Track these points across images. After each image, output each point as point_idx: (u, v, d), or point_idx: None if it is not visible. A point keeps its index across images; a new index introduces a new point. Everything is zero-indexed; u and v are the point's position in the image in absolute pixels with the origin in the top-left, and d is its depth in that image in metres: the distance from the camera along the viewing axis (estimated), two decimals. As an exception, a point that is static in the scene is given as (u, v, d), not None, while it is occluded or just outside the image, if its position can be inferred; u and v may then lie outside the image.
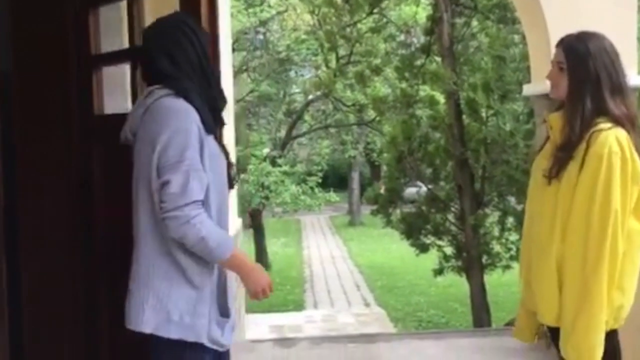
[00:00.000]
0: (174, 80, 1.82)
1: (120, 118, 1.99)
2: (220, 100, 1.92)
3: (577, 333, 1.95)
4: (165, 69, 1.84)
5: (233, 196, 7.37)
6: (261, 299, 1.91)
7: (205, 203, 1.77)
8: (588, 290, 1.94)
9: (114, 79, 2.59)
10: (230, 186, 2.00)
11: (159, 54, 1.85)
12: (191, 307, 1.77)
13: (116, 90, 2.58)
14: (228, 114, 7.18)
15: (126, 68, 2.46)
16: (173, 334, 1.76)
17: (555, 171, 2.01)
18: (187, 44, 1.84)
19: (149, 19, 2.27)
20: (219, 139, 1.93)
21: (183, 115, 1.76)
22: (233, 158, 8.30)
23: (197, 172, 1.74)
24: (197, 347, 1.78)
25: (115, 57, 2.53)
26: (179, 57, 1.84)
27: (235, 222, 7.25)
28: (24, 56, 2.76)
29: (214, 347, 1.83)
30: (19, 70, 2.76)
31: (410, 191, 11.93)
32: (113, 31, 2.57)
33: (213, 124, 1.85)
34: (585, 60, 2.02)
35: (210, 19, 2.24)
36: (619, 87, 2.03)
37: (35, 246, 2.74)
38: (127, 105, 2.49)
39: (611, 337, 2.00)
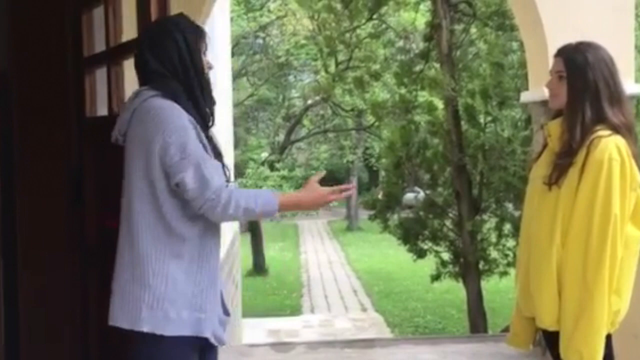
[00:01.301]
0: (161, 80, 1.85)
1: (111, 120, 2.00)
2: (208, 103, 1.92)
3: (579, 337, 1.98)
4: (154, 70, 1.86)
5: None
6: (335, 199, 1.95)
7: None
8: (589, 294, 1.97)
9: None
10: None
11: (149, 55, 1.87)
12: (188, 301, 1.78)
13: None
14: (224, 116, 7.16)
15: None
16: (170, 330, 1.77)
17: (555, 177, 2.04)
18: (174, 46, 1.86)
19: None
20: (210, 140, 1.94)
21: (175, 114, 1.78)
22: (231, 161, 8.26)
23: (206, 161, 1.77)
24: (193, 340, 1.79)
25: (101, 59, 2.53)
26: (166, 59, 1.86)
27: (232, 227, 7.27)
28: (21, 56, 2.78)
29: (215, 342, 1.84)
30: (17, 70, 2.77)
31: (408, 196, 11.95)
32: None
33: (201, 124, 1.86)
34: (584, 70, 2.06)
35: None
36: (617, 96, 2.08)
37: (33, 245, 2.74)
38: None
39: (606, 342, 2.03)
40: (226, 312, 1.93)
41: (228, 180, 1.97)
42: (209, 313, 1.81)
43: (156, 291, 1.76)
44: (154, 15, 2.22)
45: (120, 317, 1.80)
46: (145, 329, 1.77)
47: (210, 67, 1.95)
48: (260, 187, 15.15)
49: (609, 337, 2.05)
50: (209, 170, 1.76)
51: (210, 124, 1.93)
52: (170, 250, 1.78)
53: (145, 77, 1.89)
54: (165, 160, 1.75)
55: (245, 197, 1.79)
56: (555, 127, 2.13)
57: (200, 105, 1.88)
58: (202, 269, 1.81)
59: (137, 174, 1.80)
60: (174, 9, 2.30)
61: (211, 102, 1.94)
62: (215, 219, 1.79)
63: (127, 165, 1.84)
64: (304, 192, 1.93)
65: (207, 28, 4.42)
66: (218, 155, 1.96)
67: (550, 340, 2.11)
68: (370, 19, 11.84)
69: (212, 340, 1.83)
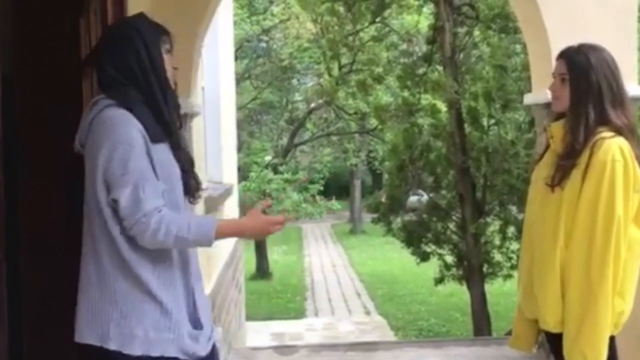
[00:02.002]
0: (118, 89, 1.78)
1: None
2: (169, 111, 1.83)
3: (583, 339, 1.98)
4: (111, 77, 1.80)
5: (234, 204, 7.39)
6: (277, 230, 1.84)
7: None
8: (594, 295, 1.97)
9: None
10: (190, 196, 1.90)
11: (106, 61, 1.81)
12: (155, 321, 1.73)
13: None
14: (228, 120, 7.15)
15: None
16: (137, 349, 1.72)
17: (558, 179, 2.04)
18: (132, 52, 1.79)
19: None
20: (179, 148, 1.86)
21: (122, 126, 1.71)
22: (234, 164, 8.21)
23: (146, 182, 1.69)
24: None
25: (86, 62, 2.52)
26: (124, 65, 1.79)
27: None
28: (25, 60, 2.79)
29: (187, 358, 1.78)
30: (20, 73, 2.78)
31: (411, 199, 11.94)
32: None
33: (161, 132, 1.78)
34: (587, 72, 2.07)
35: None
36: (619, 98, 2.08)
37: (36, 246, 2.75)
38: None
39: (610, 343, 2.03)
40: (198, 326, 1.84)
41: (195, 190, 1.90)
42: (176, 332, 1.76)
43: (123, 308, 1.72)
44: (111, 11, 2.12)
45: (86, 334, 1.76)
46: (113, 346, 1.72)
47: (174, 68, 1.88)
48: (264, 190, 15.16)
49: (612, 339, 2.05)
50: (145, 191, 1.68)
51: (173, 130, 1.84)
52: (126, 273, 1.73)
53: (102, 84, 1.83)
54: (107, 174, 1.69)
55: (178, 224, 1.69)
56: (557, 129, 2.14)
57: (162, 112, 1.80)
58: (163, 290, 1.75)
59: (89, 189, 1.75)
60: (175, 13, 2.30)
61: (175, 107, 1.86)
62: (145, 244, 1.70)
63: (86, 179, 1.78)
64: (246, 220, 1.83)
65: (210, 31, 4.43)
66: (190, 163, 1.89)
67: (554, 342, 2.11)
68: (373, 22, 11.84)
69: (183, 357, 1.78)
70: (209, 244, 1.75)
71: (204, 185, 2.20)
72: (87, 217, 1.79)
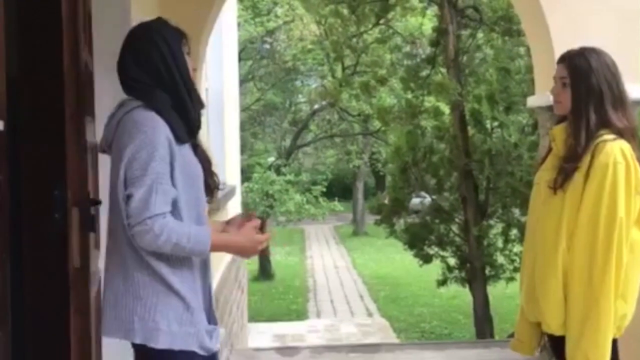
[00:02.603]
0: (145, 90, 1.82)
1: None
2: (194, 110, 1.87)
3: (586, 342, 1.98)
4: (136, 79, 1.83)
5: (237, 204, 7.40)
6: (261, 252, 1.93)
7: (175, 214, 1.75)
8: (595, 298, 1.97)
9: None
10: (211, 195, 1.95)
11: (130, 63, 1.84)
12: (178, 316, 1.77)
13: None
14: (231, 121, 7.16)
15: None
16: (161, 343, 1.75)
17: (561, 182, 2.05)
18: (158, 54, 1.82)
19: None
20: (197, 147, 1.91)
21: (150, 128, 1.74)
22: (237, 166, 8.23)
23: (161, 186, 1.72)
24: (185, 355, 1.78)
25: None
26: (150, 68, 1.82)
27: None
28: (29, 62, 2.80)
29: (204, 353, 1.83)
30: (25, 76, 2.79)
31: (414, 201, 11.93)
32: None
33: (186, 134, 1.82)
34: (588, 76, 2.08)
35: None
36: (620, 101, 2.09)
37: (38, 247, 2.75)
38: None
39: (612, 346, 2.02)
40: (213, 322, 1.90)
41: (214, 189, 1.95)
42: (197, 327, 1.80)
43: (147, 302, 1.75)
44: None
45: (113, 329, 1.80)
46: (138, 340, 1.76)
47: (194, 70, 1.93)
48: (267, 191, 15.17)
49: (614, 342, 2.05)
50: (158, 195, 1.71)
51: (197, 130, 1.89)
52: (148, 272, 1.76)
53: (129, 87, 1.86)
54: (128, 172, 1.72)
55: (179, 233, 1.72)
56: (559, 132, 2.14)
57: (189, 112, 1.84)
58: (184, 286, 1.79)
59: (113, 186, 1.79)
60: (182, 14, 2.32)
61: (199, 106, 1.90)
62: (142, 246, 1.72)
63: (110, 177, 1.82)
64: (239, 237, 1.86)
65: (214, 33, 4.45)
66: (208, 161, 1.93)
67: (557, 345, 2.11)
68: (377, 24, 11.84)
69: (201, 353, 1.81)
70: (204, 255, 1.82)
71: (221, 185, 2.24)
72: (112, 212, 1.83)
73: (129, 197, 1.71)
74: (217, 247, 1.83)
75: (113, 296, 1.81)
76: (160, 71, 1.82)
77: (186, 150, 1.83)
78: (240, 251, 1.91)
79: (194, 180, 1.84)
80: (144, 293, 1.76)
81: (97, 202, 2.03)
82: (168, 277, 1.77)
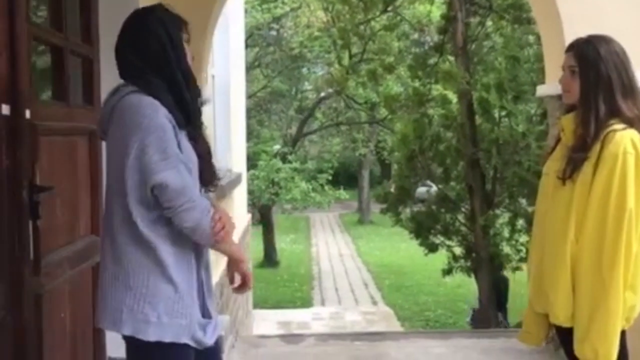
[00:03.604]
0: (140, 76, 1.78)
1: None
2: (191, 97, 1.83)
3: (594, 333, 1.96)
4: (134, 65, 1.80)
5: (243, 192, 7.40)
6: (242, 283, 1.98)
7: None
8: (605, 289, 1.95)
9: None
10: (209, 185, 1.92)
11: (127, 49, 1.81)
12: (169, 306, 1.74)
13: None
14: (238, 108, 7.14)
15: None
16: (151, 335, 1.73)
17: (570, 172, 2.03)
18: (155, 40, 1.79)
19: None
20: (199, 137, 1.88)
21: (152, 111, 1.71)
22: (244, 153, 8.17)
23: (184, 165, 1.74)
24: (176, 347, 1.77)
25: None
26: (147, 53, 1.79)
27: (244, 218, 7.28)
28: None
29: (196, 346, 1.81)
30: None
31: (419, 190, 11.91)
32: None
33: (183, 121, 1.79)
34: (596, 64, 2.05)
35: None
36: (630, 89, 2.06)
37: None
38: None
39: (620, 338, 2.01)
40: (207, 315, 1.87)
41: (213, 179, 1.94)
42: (188, 318, 1.78)
43: (137, 293, 1.73)
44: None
45: (103, 319, 1.79)
46: (126, 331, 1.74)
47: (192, 58, 1.90)
48: (273, 179, 15.17)
49: (623, 333, 2.04)
50: (187, 175, 1.73)
51: (194, 118, 1.85)
52: (146, 254, 1.74)
53: (125, 72, 1.83)
54: (143, 160, 1.68)
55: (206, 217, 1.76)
56: (568, 122, 2.12)
57: (184, 100, 1.80)
58: (179, 274, 1.77)
59: (112, 174, 1.77)
60: (187, 1, 2.28)
61: (196, 94, 1.87)
62: (188, 224, 1.73)
63: (107, 164, 1.80)
64: (239, 249, 1.93)
65: (221, 19, 4.41)
66: (207, 152, 1.90)
67: (564, 336, 2.10)
68: (385, 11, 11.76)
69: (193, 345, 1.80)
70: (209, 242, 1.82)
71: (221, 174, 2.21)
72: (108, 201, 1.81)
73: (160, 186, 1.69)
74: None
75: (103, 286, 1.78)
76: (156, 56, 1.80)
77: (182, 136, 1.80)
78: (235, 254, 1.92)
79: (188, 167, 1.80)
80: (134, 282, 1.73)
81: (46, 189, 1.94)
82: (166, 264, 1.74)
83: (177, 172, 1.70)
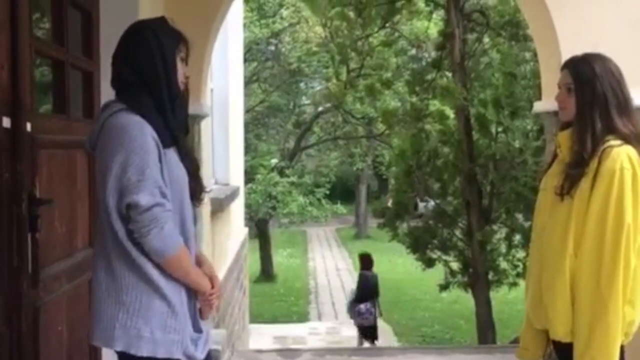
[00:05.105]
0: (130, 92, 1.77)
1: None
2: (178, 116, 1.82)
3: (594, 348, 1.96)
4: (124, 79, 1.79)
5: (240, 205, 7.39)
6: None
7: None
8: (604, 304, 1.96)
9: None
10: (196, 199, 1.91)
11: (119, 59, 1.81)
12: (162, 322, 1.74)
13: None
14: (235, 122, 7.16)
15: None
16: (144, 350, 1.72)
17: (567, 188, 2.04)
18: (144, 49, 1.78)
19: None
20: (184, 151, 1.86)
21: (137, 131, 1.71)
22: (241, 167, 8.20)
23: (161, 189, 1.72)
24: None
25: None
26: (137, 66, 1.78)
27: (241, 232, 7.28)
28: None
29: None
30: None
31: (419, 205, 11.91)
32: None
33: (169, 139, 1.78)
34: (592, 82, 2.07)
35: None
36: (625, 107, 2.09)
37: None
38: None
39: (619, 353, 2.01)
40: (198, 329, 1.86)
41: (199, 193, 1.92)
42: (181, 334, 1.77)
43: (130, 309, 1.72)
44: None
45: (96, 336, 1.77)
46: (119, 347, 1.73)
47: (187, 77, 1.87)
48: (270, 193, 15.16)
49: (621, 348, 2.03)
50: (160, 199, 1.70)
51: (178, 139, 1.83)
52: (137, 270, 1.73)
53: (114, 82, 1.83)
54: (122, 180, 1.68)
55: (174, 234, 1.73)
56: (565, 138, 2.14)
57: (167, 117, 1.78)
58: (171, 289, 1.76)
59: (100, 190, 1.76)
60: (188, 14, 2.31)
61: (183, 115, 1.85)
62: (155, 249, 1.70)
63: (97, 180, 1.79)
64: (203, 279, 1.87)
65: (220, 34, 4.44)
66: (196, 169, 1.89)
67: (563, 352, 2.09)
68: (383, 27, 11.84)
69: None
70: (164, 257, 1.74)
71: (208, 188, 2.20)
72: (99, 217, 1.81)
73: (130, 205, 1.68)
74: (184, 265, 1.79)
75: (96, 302, 1.77)
76: (145, 70, 1.78)
77: (171, 153, 1.79)
78: (197, 286, 1.85)
79: (177, 184, 1.80)
80: (128, 298, 1.72)
81: (45, 202, 1.93)
82: (156, 279, 1.73)
83: (150, 195, 1.68)
